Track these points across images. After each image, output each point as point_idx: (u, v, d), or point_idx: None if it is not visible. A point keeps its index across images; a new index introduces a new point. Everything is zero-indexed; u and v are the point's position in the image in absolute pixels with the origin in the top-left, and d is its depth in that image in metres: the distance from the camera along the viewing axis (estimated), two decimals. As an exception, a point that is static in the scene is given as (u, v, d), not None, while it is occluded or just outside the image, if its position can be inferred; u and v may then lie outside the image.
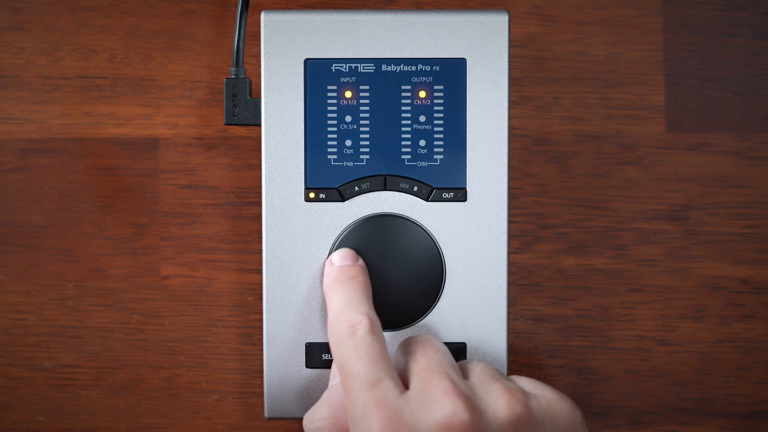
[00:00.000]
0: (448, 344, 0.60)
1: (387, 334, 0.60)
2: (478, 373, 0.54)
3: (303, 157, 0.60)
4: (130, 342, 0.65)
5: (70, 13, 0.65)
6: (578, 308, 0.65)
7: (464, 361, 0.57)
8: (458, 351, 0.60)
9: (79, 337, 0.65)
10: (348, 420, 0.52)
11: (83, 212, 0.65)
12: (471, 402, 0.51)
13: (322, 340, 0.60)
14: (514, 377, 0.56)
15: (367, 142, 0.60)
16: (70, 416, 0.65)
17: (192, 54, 0.65)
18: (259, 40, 0.63)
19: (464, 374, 0.55)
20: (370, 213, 0.60)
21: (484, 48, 0.60)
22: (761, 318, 0.65)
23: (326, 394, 0.55)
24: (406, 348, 0.56)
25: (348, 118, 0.60)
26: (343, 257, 0.58)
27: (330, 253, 0.60)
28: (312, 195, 0.60)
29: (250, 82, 0.61)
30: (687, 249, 0.65)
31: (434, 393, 0.51)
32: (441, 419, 0.50)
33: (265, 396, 0.61)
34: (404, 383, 0.53)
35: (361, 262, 0.58)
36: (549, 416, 0.53)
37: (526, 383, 0.55)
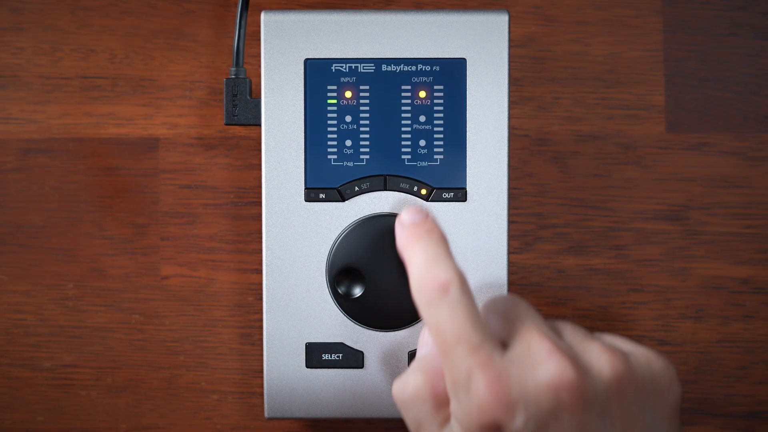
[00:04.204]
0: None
1: (388, 334, 0.60)
2: (570, 332, 0.52)
3: (303, 157, 0.60)
4: (130, 342, 0.65)
5: (70, 13, 0.65)
6: (578, 308, 0.65)
7: (551, 321, 0.54)
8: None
9: (79, 337, 0.65)
10: (448, 385, 0.50)
11: (83, 212, 0.65)
12: (575, 361, 0.49)
13: (322, 340, 0.60)
14: (603, 335, 0.54)
15: (367, 142, 0.60)
16: (70, 416, 0.65)
17: (192, 54, 0.65)
18: (259, 40, 0.63)
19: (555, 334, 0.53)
20: (370, 213, 0.60)
21: (484, 48, 0.60)
22: (761, 318, 0.65)
23: (417, 362, 0.53)
24: (495, 308, 0.53)
25: (348, 118, 0.60)
26: (413, 214, 0.54)
27: (330, 253, 0.60)
28: (312, 195, 0.60)
29: (250, 82, 0.61)
30: (687, 249, 0.65)
31: (538, 353, 0.49)
32: (549, 380, 0.48)
33: (265, 396, 0.61)
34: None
35: (432, 216, 0.54)
36: (648, 373, 0.51)
37: (618, 341, 0.53)
